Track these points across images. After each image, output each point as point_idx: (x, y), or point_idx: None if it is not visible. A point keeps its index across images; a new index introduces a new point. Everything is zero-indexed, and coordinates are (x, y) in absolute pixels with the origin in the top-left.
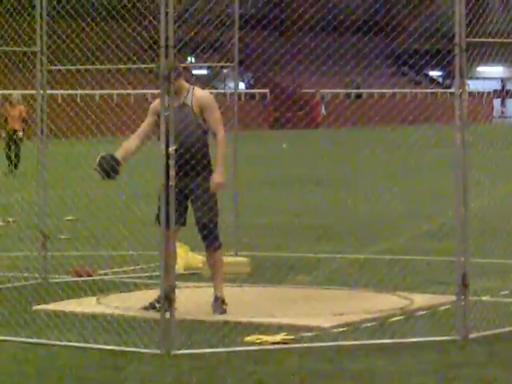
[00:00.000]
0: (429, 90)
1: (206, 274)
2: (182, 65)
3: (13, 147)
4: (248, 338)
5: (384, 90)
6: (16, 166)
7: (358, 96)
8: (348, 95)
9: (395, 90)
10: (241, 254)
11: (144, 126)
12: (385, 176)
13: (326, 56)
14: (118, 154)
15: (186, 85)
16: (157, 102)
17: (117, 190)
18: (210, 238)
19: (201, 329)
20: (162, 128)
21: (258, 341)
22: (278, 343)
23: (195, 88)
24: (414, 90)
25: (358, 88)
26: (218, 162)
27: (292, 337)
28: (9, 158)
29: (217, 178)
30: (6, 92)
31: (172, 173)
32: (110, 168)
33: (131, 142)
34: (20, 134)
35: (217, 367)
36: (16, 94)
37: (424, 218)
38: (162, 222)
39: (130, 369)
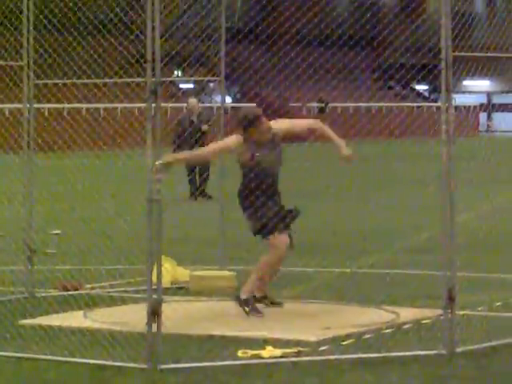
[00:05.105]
0: (415, 104)
1: (192, 287)
2: (169, 78)
3: None
4: (242, 354)
5: (370, 104)
6: None
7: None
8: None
9: (381, 104)
10: (227, 269)
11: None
12: (371, 190)
13: (312, 70)
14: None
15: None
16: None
17: (103, 203)
18: None
19: (187, 343)
20: (149, 141)
21: (252, 355)
22: (276, 357)
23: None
24: (400, 104)
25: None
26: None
27: (292, 350)
28: None
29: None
30: None
31: (156, 187)
32: None
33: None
34: None
35: (203, 382)
36: None
37: (410, 232)
38: (154, 236)
39: (116, 383)
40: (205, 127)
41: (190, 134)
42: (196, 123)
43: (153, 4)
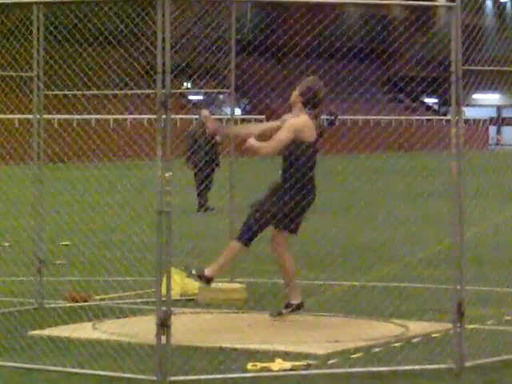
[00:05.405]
0: (424, 117)
1: (201, 299)
2: (179, 90)
3: None
4: (252, 366)
5: (379, 117)
6: None
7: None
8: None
9: (390, 117)
10: (237, 280)
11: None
12: (380, 203)
13: (322, 83)
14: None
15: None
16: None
17: (112, 215)
18: None
19: (197, 355)
20: (159, 153)
21: (262, 368)
22: (286, 370)
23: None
24: (409, 117)
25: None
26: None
27: (302, 363)
28: None
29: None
30: (3, 116)
31: (168, 199)
32: None
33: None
34: None
35: None
36: None
37: (419, 245)
38: (163, 247)
39: None
40: (218, 138)
41: (201, 145)
42: (208, 134)
43: (163, 15)
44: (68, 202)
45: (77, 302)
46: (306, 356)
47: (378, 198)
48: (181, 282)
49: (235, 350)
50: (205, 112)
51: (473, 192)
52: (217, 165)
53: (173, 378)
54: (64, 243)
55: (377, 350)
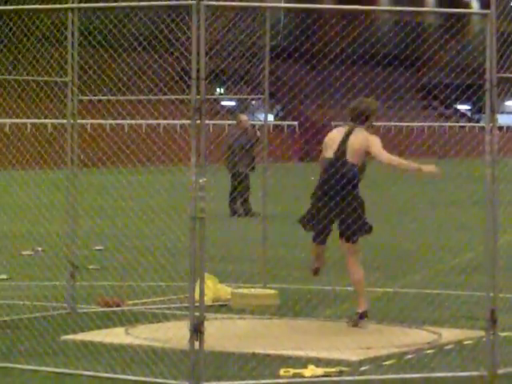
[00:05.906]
0: (457, 124)
1: (234, 305)
2: (213, 96)
3: None
4: (284, 372)
5: (412, 124)
6: None
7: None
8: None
9: (424, 124)
10: (269, 287)
11: None
12: (413, 210)
13: (356, 89)
14: None
15: None
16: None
17: (146, 219)
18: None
19: (229, 361)
20: (193, 159)
21: (294, 374)
22: (318, 377)
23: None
24: (442, 124)
25: None
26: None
27: (334, 369)
28: None
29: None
30: (37, 121)
31: (202, 205)
32: None
33: None
34: None
35: None
36: None
37: (453, 252)
38: (197, 253)
39: None
40: (258, 134)
41: (241, 148)
42: (247, 138)
43: (198, 21)
44: (101, 207)
45: (110, 306)
46: (338, 362)
47: (411, 205)
48: (213, 288)
49: (268, 355)
50: (243, 117)
51: (506, 199)
52: (250, 170)
53: None
54: (97, 248)
55: (409, 356)
